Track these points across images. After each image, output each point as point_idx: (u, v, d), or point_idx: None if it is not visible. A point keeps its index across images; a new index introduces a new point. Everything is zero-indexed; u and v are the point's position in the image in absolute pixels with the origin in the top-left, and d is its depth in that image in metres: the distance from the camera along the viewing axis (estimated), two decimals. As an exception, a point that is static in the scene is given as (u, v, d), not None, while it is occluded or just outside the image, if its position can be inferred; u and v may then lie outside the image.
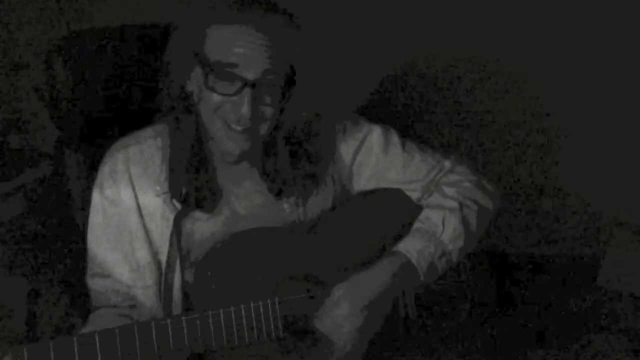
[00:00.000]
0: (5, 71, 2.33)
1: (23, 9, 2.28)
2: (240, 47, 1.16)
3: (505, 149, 2.41)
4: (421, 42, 2.27)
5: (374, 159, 1.40)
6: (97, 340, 1.07)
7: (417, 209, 1.41)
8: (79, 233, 1.44)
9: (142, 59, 1.46)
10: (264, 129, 1.23)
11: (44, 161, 2.23)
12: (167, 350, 1.12)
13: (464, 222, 1.36)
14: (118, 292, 1.27)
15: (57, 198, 1.49)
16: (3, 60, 2.32)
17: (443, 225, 1.34)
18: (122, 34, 1.49)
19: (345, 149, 1.39)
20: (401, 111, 2.36)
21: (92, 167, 1.42)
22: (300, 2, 1.29)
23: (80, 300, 1.43)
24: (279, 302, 1.22)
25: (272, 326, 1.21)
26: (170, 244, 1.27)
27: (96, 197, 1.28)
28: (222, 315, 1.17)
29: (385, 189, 1.43)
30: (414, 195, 1.43)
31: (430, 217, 1.36)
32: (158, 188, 1.26)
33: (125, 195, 1.26)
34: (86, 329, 1.20)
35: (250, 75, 1.17)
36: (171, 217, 1.26)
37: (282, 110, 1.25)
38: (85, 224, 1.40)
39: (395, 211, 1.42)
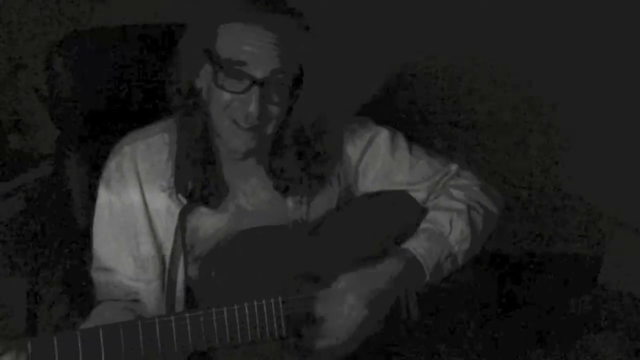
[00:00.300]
0: (5, 71, 2.33)
1: (23, 9, 2.28)
2: (250, 45, 1.17)
3: (505, 149, 2.41)
4: (421, 43, 2.27)
5: (380, 160, 1.41)
6: (100, 335, 1.08)
7: (421, 210, 1.41)
8: (79, 233, 1.44)
9: (142, 59, 1.46)
10: (270, 127, 1.24)
11: (44, 161, 2.23)
12: (171, 347, 1.13)
13: (471, 224, 1.36)
14: (122, 286, 1.27)
15: (57, 198, 1.50)
16: (3, 60, 2.32)
17: (451, 226, 1.35)
18: (122, 34, 1.49)
19: (353, 150, 1.40)
20: (400, 112, 2.36)
21: (93, 167, 1.42)
22: (301, 3, 1.29)
23: (80, 300, 1.43)
24: (283, 302, 1.22)
25: (275, 325, 1.21)
26: (175, 239, 1.27)
27: (102, 192, 1.29)
28: (225, 313, 1.17)
29: (389, 191, 1.43)
30: (419, 196, 1.44)
31: (437, 218, 1.37)
32: (164, 183, 1.27)
33: (132, 190, 1.27)
34: (89, 323, 1.21)
35: (258, 74, 1.17)
36: (176, 212, 1.27)
37: (290, 110, 1.25)
38: (85, 224, 1.40)
39: (399, 213, 1.42)
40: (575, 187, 2.43)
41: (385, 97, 2.36)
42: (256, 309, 1.20)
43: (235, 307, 1.18)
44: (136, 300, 1.27)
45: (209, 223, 1.30)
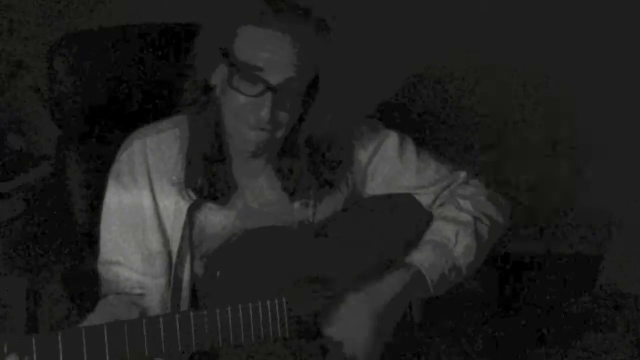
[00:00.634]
0: (5, 71, 2.33)
1: (23, 9, 2.28)
2: (268, 51, 1.17)
3: (505, 149, 2.41)
4: (421, 43, 2.27)
5: (389, 164, 1.41)
6: (105, 332, 1.08)
7: (427, 215, 1.41)
8: (79, 233, 1.44)
9: (142, 59, 1.46)
10: (280, 132, 1.24)
11: (44, 161, 2.23)
12: (174, 346, 1.13)
13: (477, 237, 1.36)
14: (128, 280, 1.27)
15: (57, 198, 1.49)
16: (3, 60, 2.31)
17: (456, 239, 1.35)
18: (122, 34, 1.49)
19: (362, 153, 1.40)
20: (403, 114, 2.35)
21: (93, 167, 1.42)
22: (315, 9, 1.29)
23: (80, 300, 1.43)
24: (287, 303, 1.22)
25: (278, 326, 1.22)
26: (182, 235, 1.27)
27: (112, 185, 1.28)
28: (230, 312, 1.17)
29: (395, 194, 1.43)
30: (425, 201, 1.43)
31: (443, 230, 1.36)
32: (174, 177, 1.27)
33: (141, 184, 1.27)
34: (94, 316, 1.21)
35: (273, 80, 1.17)
36: (185, 207, 1.27)
37: (302, 116, 1.26)
38: (85, 224, 1.41)
39: (405, 216, 1.42)
40: (575, 186, 2.43)
41: (397, 102, 2.36)
42: (260, 309, 1.20)
43: (240, 307, 1.18)
44: (142, 295, 1.27)
45: (217, 220, 1.30)
